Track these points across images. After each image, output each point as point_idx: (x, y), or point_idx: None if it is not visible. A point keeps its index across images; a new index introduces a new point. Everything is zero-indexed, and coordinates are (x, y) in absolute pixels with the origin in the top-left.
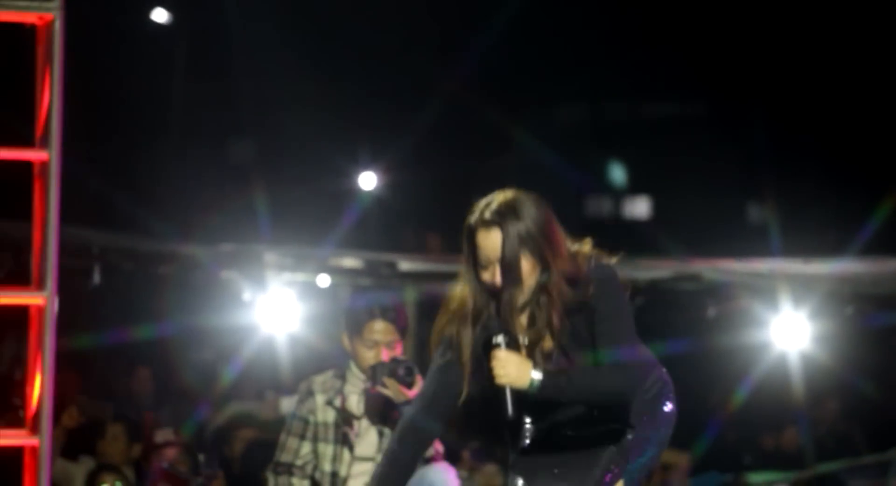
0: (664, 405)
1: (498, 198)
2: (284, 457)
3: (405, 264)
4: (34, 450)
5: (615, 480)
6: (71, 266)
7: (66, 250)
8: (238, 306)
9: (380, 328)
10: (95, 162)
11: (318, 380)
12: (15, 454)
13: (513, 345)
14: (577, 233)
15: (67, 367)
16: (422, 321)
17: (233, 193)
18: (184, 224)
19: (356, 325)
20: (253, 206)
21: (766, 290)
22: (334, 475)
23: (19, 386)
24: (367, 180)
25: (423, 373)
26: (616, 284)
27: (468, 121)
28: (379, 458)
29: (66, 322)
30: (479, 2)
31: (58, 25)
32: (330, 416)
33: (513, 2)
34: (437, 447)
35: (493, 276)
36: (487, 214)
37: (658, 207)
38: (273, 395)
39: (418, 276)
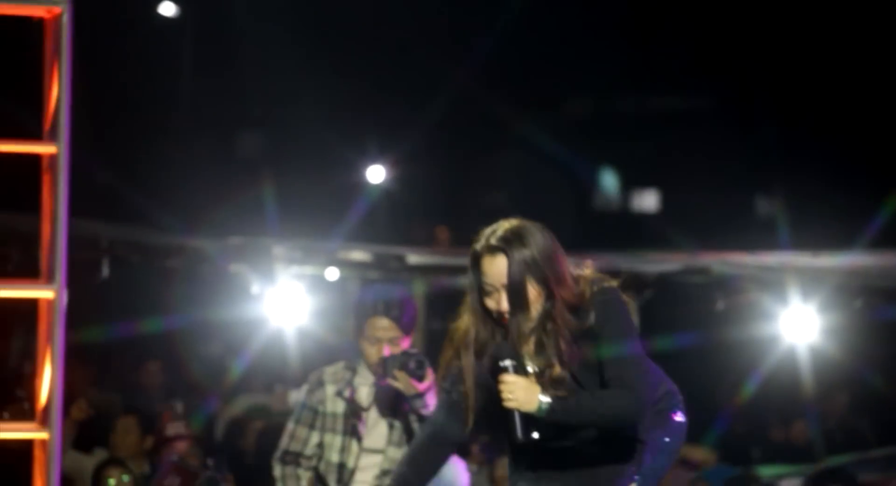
0: (675, 415)
1: (503, 225)
2: (293, 446)
3: (414, 258)
4: (44, 443)
5: None
6: (79, 259)
7: (75, 243)
8: (246, 300)
9: (381, 325)
10: (103, 155)
11: (329, 371)
12: (25, 446)
13: (520, 369)
14: (586, 226)
15: (76, 360)
16: (430, 315)
17: (241, 186)
18: (192, 217)
19: (359, 320)
20: (261, 199)
21: (774, 283)
22: (342, 466)
23: (25, 379)
24: (376, 173)
25: (433, 366)
26: (618, 307)
27: (476, 114)
28: (388, 450)
29: (75, 315)
30: None
31: (66, 19)
32: (339, 407)
33: None
34: None
35: (499, 303)
36: (493, 241)
37: (666, 201)
38: (281, 388)
39: (427, 269)
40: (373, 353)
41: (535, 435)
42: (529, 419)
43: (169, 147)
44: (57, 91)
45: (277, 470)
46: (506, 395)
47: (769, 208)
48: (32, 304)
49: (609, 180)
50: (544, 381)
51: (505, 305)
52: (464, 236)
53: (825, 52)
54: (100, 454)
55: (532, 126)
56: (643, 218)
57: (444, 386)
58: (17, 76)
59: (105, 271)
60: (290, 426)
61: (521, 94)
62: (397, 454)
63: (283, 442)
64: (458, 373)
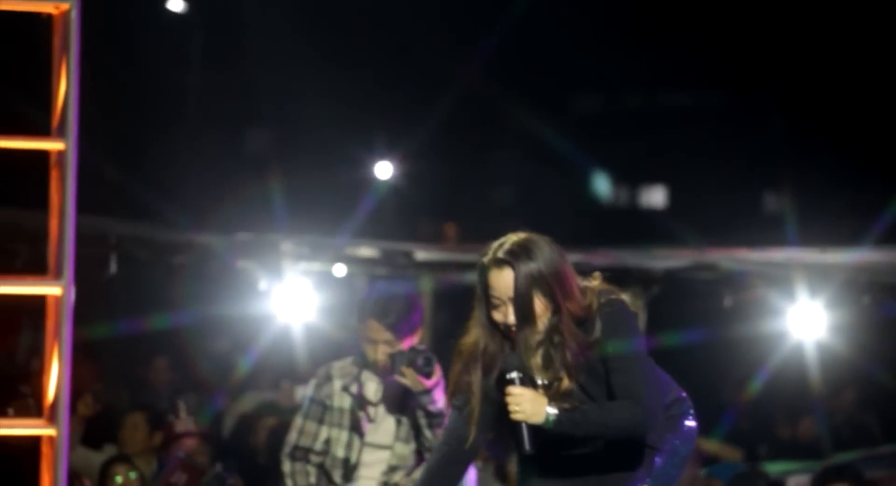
0: (685, 421)
1: (511, 239)
2: (303, 441)
3: (421, 254)
4: (51, 440)
5: None
6: (87, 256)
7: (83, 239)
8: (254, 296)
9: (372, 327)
10: (111, 151)
11: (337, 365)
12: (32, 443)
13: (528, 382)
14: (593, 222)
15: (84, 357)
16: (438, 311)
17: (249, 182)
18: (200, 213)
19: (359, 320)
20: (269, 195)
21: (782, 279)
22: (346, 461)
23: (31, 375)
24: (384, 170)
25: (442, 363)
26: (625, 319)
27: (484, 111)
28: (396, 446)
29: (83, 312)
30: None
31: (74, 15)
32: (346, 402)
33: None
34: None
35: (505, 316)
36: (500, 254)
37: (674, 197)
38: (289, 385)
39: (434, 265)
40: (370, 351)
41: (528, 450)
42: (537, 431)
43: (177, 144)
44: (65, 87)
45: (287, 466)
46: (513, 407)
47: (777, 205)
48: (40, 300)
49: (613, 178)
50: (552, 393)
51: (512, 318)
52: (471, 233)
53: (833, 50)
54: (109, 451)
55: (540, 123)
56: (651, 214)
57: (455, 403)
58: (26, 73)
59: (113, 267)
60: (298, 421)
61: (529, 91)
62: (405, 449)
63: (292, 437)
64: (468, 388)
